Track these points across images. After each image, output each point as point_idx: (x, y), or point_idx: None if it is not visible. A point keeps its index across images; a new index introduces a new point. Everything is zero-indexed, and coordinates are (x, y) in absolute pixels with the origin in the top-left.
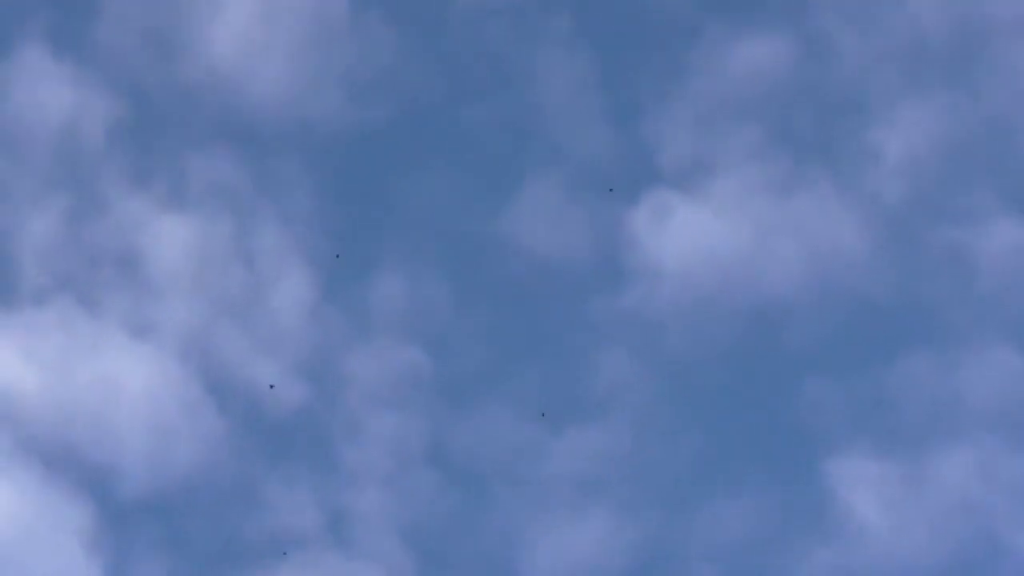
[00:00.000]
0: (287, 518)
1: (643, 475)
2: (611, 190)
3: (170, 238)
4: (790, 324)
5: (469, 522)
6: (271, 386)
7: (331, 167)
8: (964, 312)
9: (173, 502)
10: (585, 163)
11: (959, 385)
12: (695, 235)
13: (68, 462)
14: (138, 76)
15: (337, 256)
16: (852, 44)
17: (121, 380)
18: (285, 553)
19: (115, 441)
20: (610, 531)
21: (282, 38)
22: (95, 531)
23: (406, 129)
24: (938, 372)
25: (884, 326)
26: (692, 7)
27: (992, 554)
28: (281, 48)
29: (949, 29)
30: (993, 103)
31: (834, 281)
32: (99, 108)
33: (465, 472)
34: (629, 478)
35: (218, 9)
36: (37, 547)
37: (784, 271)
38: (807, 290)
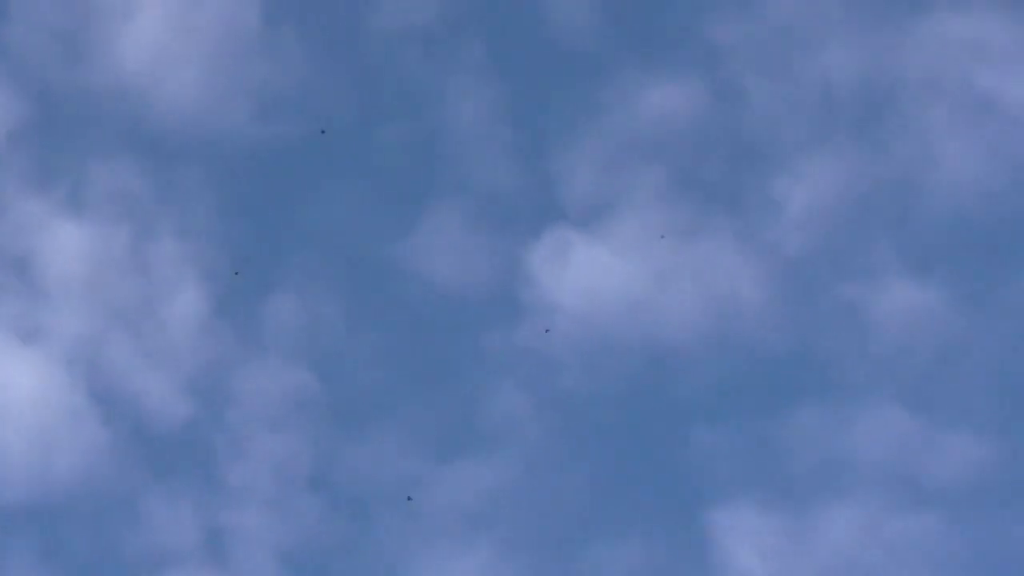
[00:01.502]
0: (165, 533)
1: (528, 512)
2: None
3: (66, 243)
4: (684, 370)
5: (349, 549)
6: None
7: (234, 182)
8: (856, 369)
9: (51, 511)
10: (489, 195)
11: (847, 442)
12: (594, 274)
13: None
14: (45, 79)
15: (236, 273)
16: (763, 94)
17: (6, 385)
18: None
19: None
20: (492, 567)
21: (193, 50)
22: None
23: (312, 148)
24: (827, 428)
25: (776, 378)
26: (607, 47)
27: None
28: (191, 60)
29: (859, 86)
30: (898, 162)
31: (730, 330)
32: (2, 109)
33: (349, 498)
34: (514, 514)
35: (130, 17)
36: None
37: (681, 316)
38: (702, 337)
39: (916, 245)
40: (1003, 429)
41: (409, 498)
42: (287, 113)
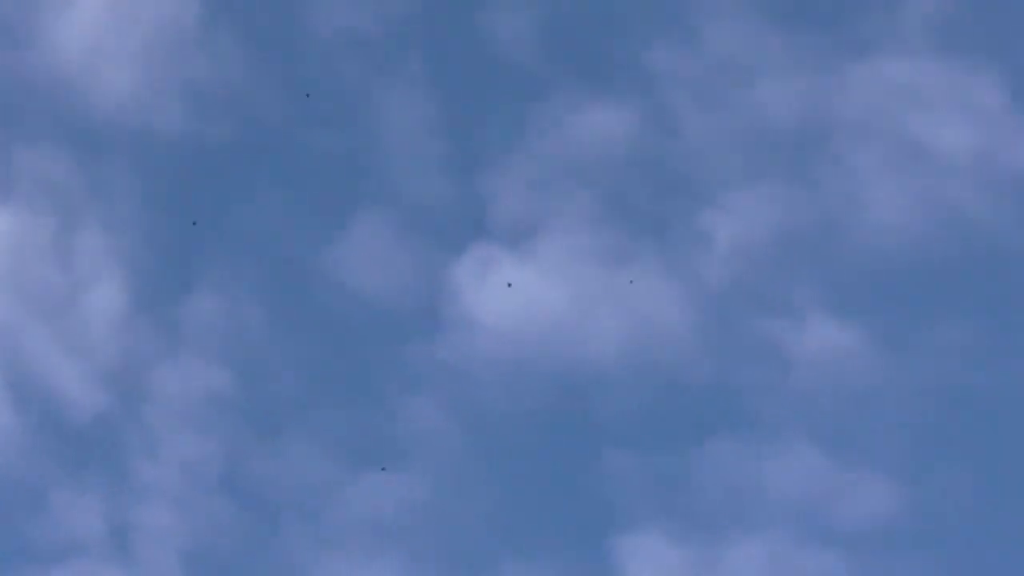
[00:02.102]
0: (71, 524)
1: (437, 528)
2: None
3: None
4: (602, 394)
5: (255, 553)
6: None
7: (163, 178)
8: (773, 405)
9: None
10: (417, 207)
11: (759, 477)
12: (517, 294)
13: None
14: None
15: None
16: (696, 124)
17: None
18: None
19: None
20: None
21: (129, 43)
22: None
23: (244, 149)
24: (740, 461)
25: (693, 409)
26: (543, 68)
27: None
28: (127, 53)
29: (794, 123)
30: (827, 202)
31: (650, 358)
32: None
33: (258, 502)
34: (423, 529)
35: (68, 6)
36: None
37: (602, 341)
38: (622, 363)
39: (840, 286)
40: (914, 476)
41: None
42: (220, 113)
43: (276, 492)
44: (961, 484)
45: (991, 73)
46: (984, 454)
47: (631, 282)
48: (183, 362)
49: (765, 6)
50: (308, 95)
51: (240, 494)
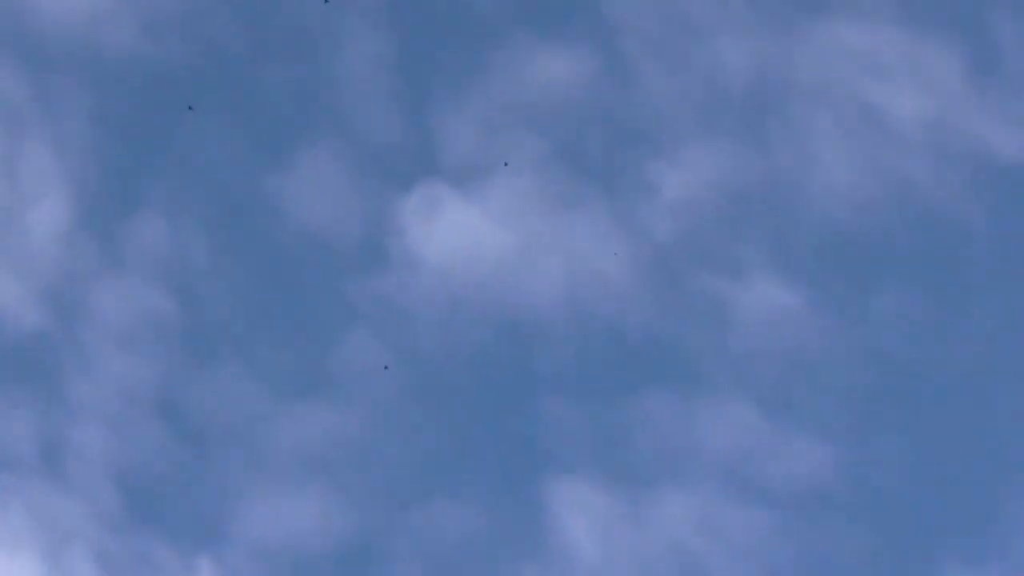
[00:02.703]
0: (2, 440)
1: (368, 462)
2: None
3: None
4: (541, 340)
5: (186, 477)
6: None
7: (114, 97)
8: (712, 361)
9: None
10: (368, 142)
11: (694, 432)
12: (463, 234)
13: None
14: None
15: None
16: (652, 77)
17: None
18: None
19: None
20: (324, 512)
21: None
22: None
23: (197, 74)
24: (676, 416)
25: (632, 360)
26: (502, 10)
27: None
28: None
29: (750, 81)
30: (777, 162)
31: (591, 306)
32: None
33: (191, 427)
34: (353, 463)
35: None
36: None
37: (544, 286)
38: (563, 310)
39: (786, 246)
40: (847, 439)
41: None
42: (175, 35)
43: (209, 417)
44: (893, 450)
45: (949, 44)
46: (918, 421)
47: (570, 234)
48: (124, 283)
49: None
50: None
51: (173, 418)
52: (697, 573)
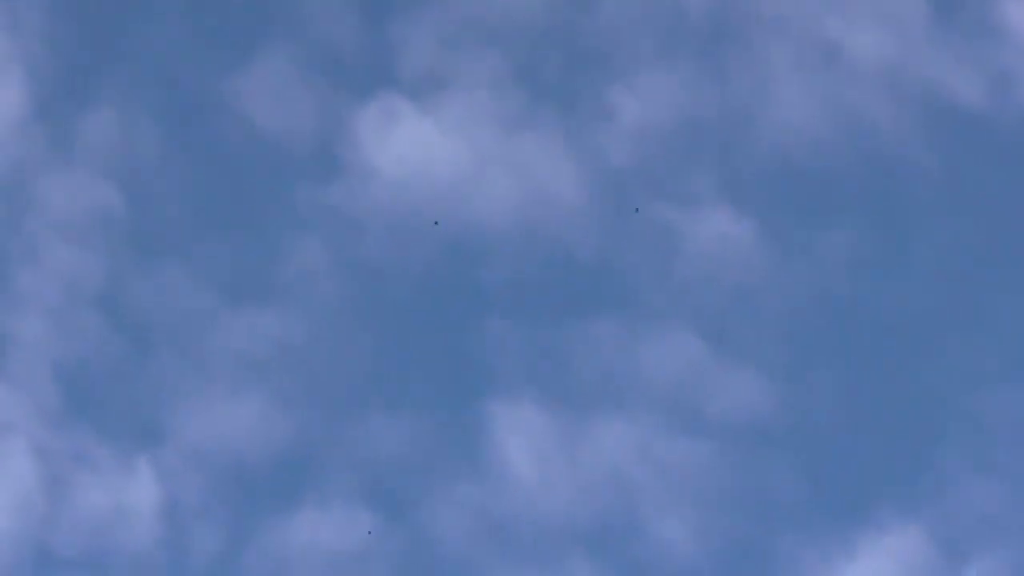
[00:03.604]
0: None
1: (309, 371)
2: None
3: None
4: (488, 259)
5: (127, 374)
6: (436, 223)
7: None
8: (658, 290)
9: None
10: (325, 49)
11: (636, 360)
12: (416, 148)
13: None
14: None
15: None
16: (614, 0)
17: None
18: None
19: None
20: (262, 419)
21: None
22: None
23: None
24: (619, 342)
25: (578, 285)
26: None
27: (629, 530)
28: None
29: (711, 10)
30: (735, 95)
31: (541, 228)
32: None
33: (134, 323)
34: (294, 371)
35: None
36: None
37: (495, 206)
38: (512, 230)
39: (738, 178)
40: (790, 374)
41: (436, 223)
42: None
43: (152, 315)
44: (832, 388)
45: None
46: (858, 361)
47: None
48: (72, 175)
49: None
50: None
51: (117, 313)
52: (632, 500)
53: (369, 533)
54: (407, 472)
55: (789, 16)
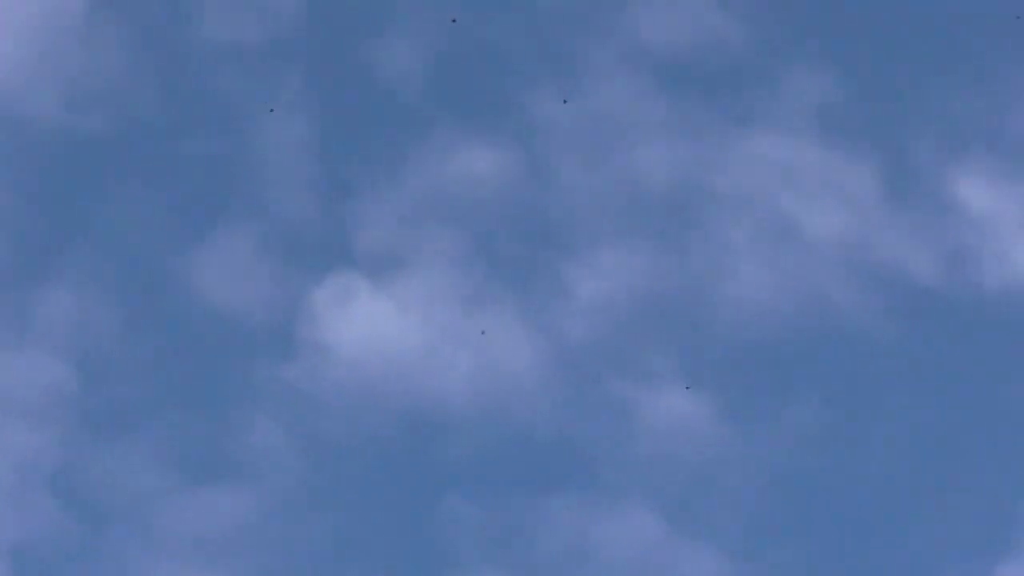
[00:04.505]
0: None
1: (266, 550)
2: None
3: None
4: (446, 436)
5: (80, 556)
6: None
7: (31, 166)
8: (617, 467)
9: None
10: (284, 226)
11: (596, 537)
12: (374, 325)
13: None
14: None
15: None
16: (571, 177)
17: None
18: None
19: None
20: None
21: (11, 28)
22: None
23: (117, 146)
24: (578, 520)
25: (537, 462)
26: (426, 104)
27: None
28: (7, 37)
29: (669, 188)
30: (693, 271)
31: (498, 405)
32: None
33: (88, 504)
34: (251, 550)
35: None
36: None
37: (453, 383)
38: (470, 408)
39: (696, 356)
40: (749, 552)
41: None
42: (96, 108)
43: (107, 495)
44: (794, 565)
45: (867, 161)
46: (819, 537)
47: (483, 333)
48: (27, 353)
49: (653, 69)
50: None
51: (70, 494)
52: None
53: None
54: None
55: (745, 193)
